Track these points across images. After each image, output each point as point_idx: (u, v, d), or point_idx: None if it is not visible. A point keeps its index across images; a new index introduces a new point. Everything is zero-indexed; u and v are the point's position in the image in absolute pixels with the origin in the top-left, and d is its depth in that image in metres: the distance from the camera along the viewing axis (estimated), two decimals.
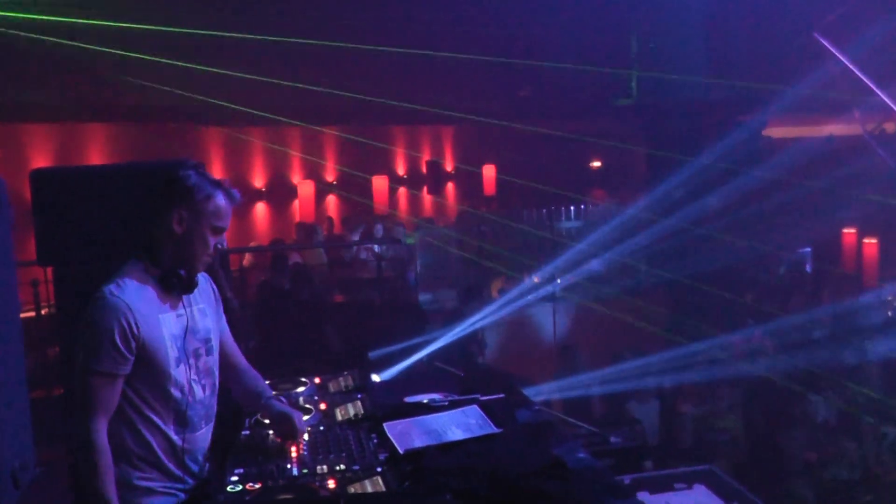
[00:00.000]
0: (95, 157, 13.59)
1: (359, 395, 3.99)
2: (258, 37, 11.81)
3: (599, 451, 4.07)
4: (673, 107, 14.83)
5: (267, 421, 3.70)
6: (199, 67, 11.25)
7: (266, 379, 3.82)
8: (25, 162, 12.21)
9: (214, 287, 3.50)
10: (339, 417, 3.73)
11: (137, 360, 3.12)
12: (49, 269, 4.55)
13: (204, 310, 3.40)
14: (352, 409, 3.82)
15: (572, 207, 17.25)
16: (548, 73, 16.05)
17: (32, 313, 8.86)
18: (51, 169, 6.46)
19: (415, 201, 19.97)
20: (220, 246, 3.30)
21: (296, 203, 16.66)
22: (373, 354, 5.66)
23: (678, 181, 13.40)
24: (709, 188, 13.38)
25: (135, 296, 3.13)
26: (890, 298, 12.79)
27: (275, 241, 13.69)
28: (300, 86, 12.31)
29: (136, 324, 3.10)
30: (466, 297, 11.03)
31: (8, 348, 3.09)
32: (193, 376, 3.31)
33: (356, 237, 13.99)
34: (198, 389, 3.33)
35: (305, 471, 3.24)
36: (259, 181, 16.74)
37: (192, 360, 3.30)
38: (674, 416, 8.97)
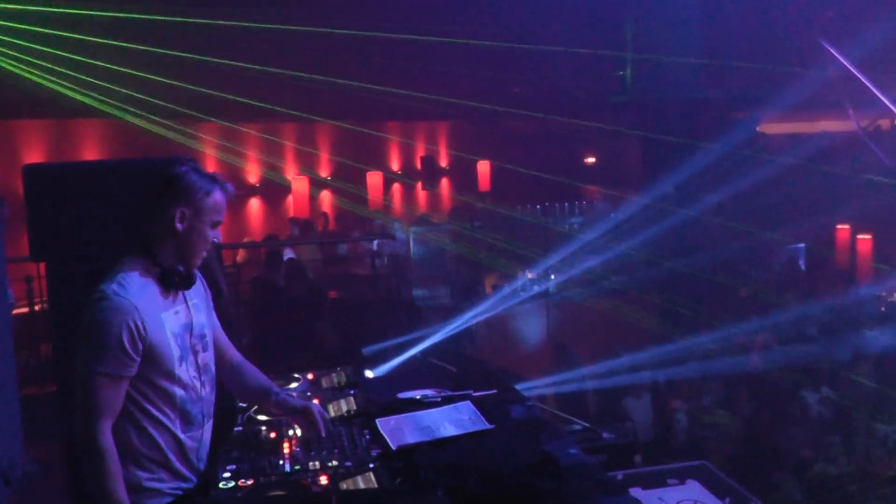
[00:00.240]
0: (89, 152, 13.55)
1: (351, 392, 4.00)
2: (253, 24, 11.81)
3: (592, 447, 4.07)
4: (668, 104, 14.84)
5: (261, 417, 3.70)
6: (191, 56, 11.25)
7: None
8: (18, 157, 12.18)
9: (204, 281, 3.48)
10: (332, 413, 3.72)
11: (143, 360, 3.08)
12: (42, 265, 4.53)
13: (197, 305, 3.38)
14: (344, 406, 3.82)
15: (566, 204, 17.25)
16: (543, 69, 16.08)
17: (26, 309, 8.82)
18: (44, 165, 6.46)
19: (409, 197, 19.96)
20: (215, 239, 3.29)
21: (290, 199, 16.63)
22: (366, 350, 5.65)
23: (672, 178, 13.42)
24: (703, 184, 13.40)
25: (138, 295, 3.09)
26: (884, 294, 12.83)
27: (269, 236, 13.65)
28: (292, 72, 12.31)
29: (143, 325, 3.06)
30: (466, 294, 11.07)
31: None
32: (194, 373, 3.29)
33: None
34: (199, 386, 3.31)
35: (298, 467, 3.24)
36: (253, 177, 16.72)
37: (191, 357, 3.28)
38: (666, 412, 9.00)
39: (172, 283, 3.21)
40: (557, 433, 3.58)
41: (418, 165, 20.07)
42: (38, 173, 4.49)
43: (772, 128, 18.15)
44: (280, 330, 9.02)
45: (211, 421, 3.41)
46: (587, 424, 4.75)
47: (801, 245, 15.66)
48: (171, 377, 3.18)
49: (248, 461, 3.30)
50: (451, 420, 3.56)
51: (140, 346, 3.06)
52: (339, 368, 4.35)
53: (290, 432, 3.53)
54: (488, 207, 16.93)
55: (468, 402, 3.73)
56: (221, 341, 3.60)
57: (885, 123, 16.96)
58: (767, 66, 15.32)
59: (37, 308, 8.68)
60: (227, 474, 3.20)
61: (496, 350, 10.80)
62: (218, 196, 3.22)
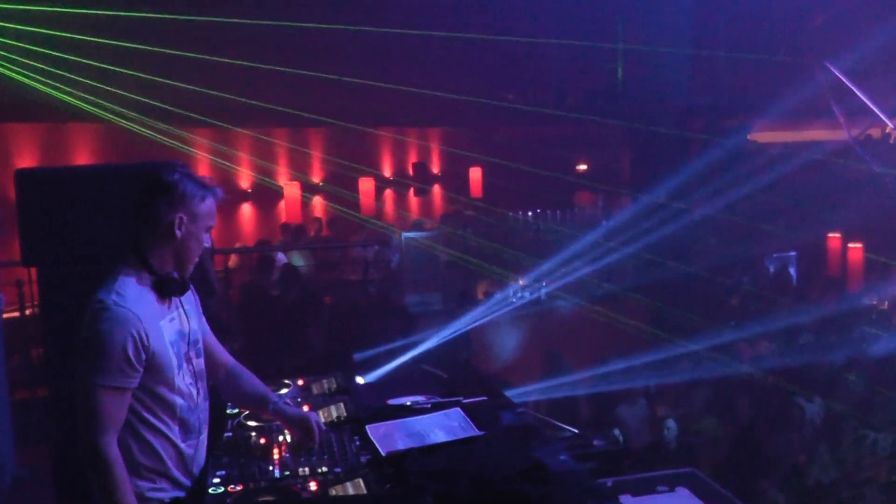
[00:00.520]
0: (81, 157, 13.53)
1: (342, 398, 4.00)
2: (246, 22, 11.81)
3: (582, 454, 4.08)
4: (658, 111, 14.88)
5: (251, 423, 3.71)
6: (187, 53, 11.25)
7: None
8: (10, 162, 12.16)
9: (192, 287, 3.48)
10: (322, 419, 3.73)
11: (145, 371, 3.07)
12: (34, 270, 4.53)
13: (189, 311, 3.38)
14: (335, 412, 3.82)
15: (558, 211, 17.27)
16: (536, 75, 16.11)
17: (17, 313, 8.81)
18: (36, 169, 6.49)
19: (402, 203, 19.97)
20: (206, 244, 3.30)
21: (282, 204, 16.63)
22: (358, 356, 5.67)
23: (662, 185, 13.46)
24: (694, 192, 13.44)
25: (138, 304, 3.07)
26: (875, 302, 12.87)
27: (261, 242, 13.65)
28: (284, 72, 12.30)
29: (146, 335, 3.05)
30: (457, 301, 11.06)
31: None
32: (191, 380, 3.30)
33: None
34: (196, 394, 3.32)
35: (287, 473, 3.25)
36: (245, 182, 16.72)
37: (187, 365, 3.28)
38: (655, 419, 9.02)
39: (168, 290, 3.21)
40: (548, 440, 3.59)
41: (410, 171, 20.09)
42: (31, 178, 4.50)
43: (763, 136, 18.21)
44: (271, 335, 9.03)
45: (207, 428, 3.42)
46: (577, 431, 4.76)
47: (793, 253, 15.70)
48: (172, 386, 3.18)
49: (238, 467, 3.31)
50: (442, 426, 3.57)
51: (143, 356, 3.05)
52: (329, 374, 4.35)
53: (280, 438, 3.53)
54: (480, 214, 16.96)
55: (458, 409, 3.74)
56: (213, 345, 3.59)
57: (875, 132, 17.03)
58: (758, 74, 15.40)
59: (28, 312, 8.66)
60: (216, 480, 3.20)
61: (487, 357, 10.81)
62: (211, 201, 3.23)
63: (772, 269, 15.22)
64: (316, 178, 17.96)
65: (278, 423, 3.63)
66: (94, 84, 11.53)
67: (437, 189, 20.92)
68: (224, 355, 3.65)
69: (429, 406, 3.84)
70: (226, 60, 11.63)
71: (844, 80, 13.42)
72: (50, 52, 10.96)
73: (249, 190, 16.78)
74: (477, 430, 3.54)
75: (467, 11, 14.60)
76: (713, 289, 12.92)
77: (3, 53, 10.83)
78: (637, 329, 11.85)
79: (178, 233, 3.15)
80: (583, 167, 21.86)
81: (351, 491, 3.07)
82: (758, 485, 7.78)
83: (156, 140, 12.45)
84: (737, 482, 7.54)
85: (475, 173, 18.82)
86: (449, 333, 9.12)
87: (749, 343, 10.56)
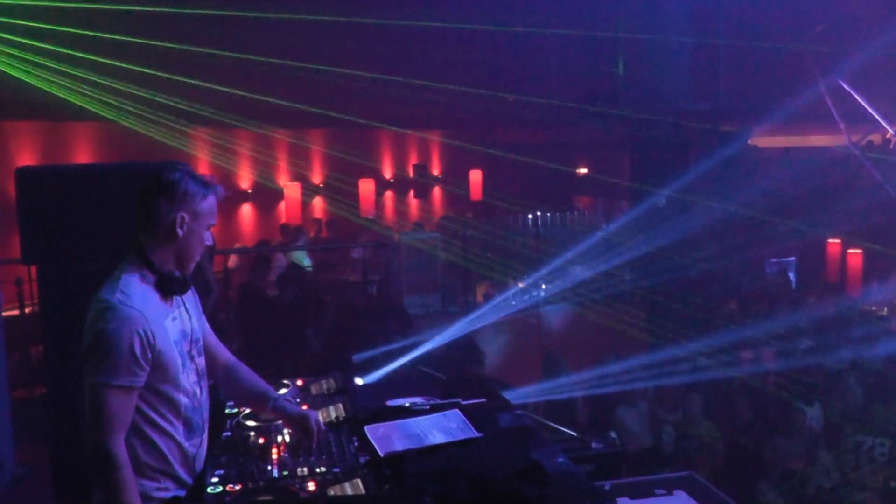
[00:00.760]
0: (82, 156, 13.55)
1: (340, 398, 4.00)
2: (247, 13, 11.82)
3: (580, 456, 4.08)
4: (659, 116, 14.88)
5: (250, 422, 3.71)
6: (185, 64, 11.25)
7: None
8: (10, 160, 12.17)
9: (192, 286, 3.48)
10: (321, 420, 3.73)
11: (151, 370, 3.07)
12: (34, 268, 4.53)
13: (190, 310, 3.39)
14: (333, 412, 3.82)
15: (558, 214, 17.28)
16: (535, 79, 16.12)
17: (16, 311, 8.81)
18: (37, 167, 6.48)
19: (402, 204, 19.99)
20: (207, 242, 3.30)
21: (282, 205, 16.65)
22: (356, 357, 5.67)
23: (662, 189, 13.46)
24: (693, 196, 13.44)
25: (143, 303, 3.07)
26: (874, 308, 12.88)
27: (260, 242, 13.66)
28: (289, 67, 12.31)
29: (152, 334, 3.04)
30: (456, 303, 11.08)
31: None
32: (194, 379, 3.31)
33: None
34: (198, 392, 3.33)
35: (286, 472, 3.25)
36: (245, 182, 16.73)
37: (190, 363, 3.29)
38: (653, 422, 9.02)
39: (171, 288, 3.21)
40: (545, 442, 3.59)
41: (411, 173, 20.12)
42: (31, 176, 4.50)
43: (763, 141, 18.21)
44: (269, 336, 9.03)
45: (208, 425, 3.42)
46: (575, 434, 4.76)
47: (792, 258, 15.70)
48: (177, 385, 3.19)
49: (237, 466, 3.30)
50: (440, 428, 3.57)
51: (150, 355, 3.05)
52: (328, 375, 4.36)
53: (279, 438, 3.53)
54: (480, 216, 16.97)
55: (457, 411, 3.74)
56: (212, 343, 3.60)
57: (876, 138, 17.04)
58: (759, 79, 15.41)
59: (27, 311, 8.67)
60: (215, 479, 3.20)
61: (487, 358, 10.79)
62: (212, 199, 3.23)
63: (771, 274, 15.23)
64: (316, 179, 17.97)
65: (277, 423, 3.64)
66: (95, 81, 11.54)
67: (437, 191, 20.94)
68: (224, 353, 3.65)
69: (427, 407, 3.84)
70: (225, 55, 11.63)
71: (845, 84, 13.42)
72: (50, 47, 10.97)
73: (250, 190, 16.79)
74: (475, 431, 3.54)
75: (468, 14, 14.60)
76: (712, 293, 12.92)
77: (3, 50, 10.82)
78: (636, 332, 11.86)
79: (179, 231, 3.15)
80: (583, 170, 21.88)
81: (349, 491, 3.07)
82: (757, 489, 7.78)
83: (156, 139, 12.47)
84: (736, 486, 7.55)
85: (475, 175, 18.86)
86: (448, 336, 9.11)
87: (749, 347, 10.56)
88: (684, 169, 14.01)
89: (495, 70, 16.34)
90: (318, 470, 3.25)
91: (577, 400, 9.21)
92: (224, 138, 15.15)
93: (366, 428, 3.55)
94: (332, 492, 3.07)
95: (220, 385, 3.69)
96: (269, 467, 3.29)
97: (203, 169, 14.85)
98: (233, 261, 12.74)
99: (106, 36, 10.76)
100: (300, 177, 17.18)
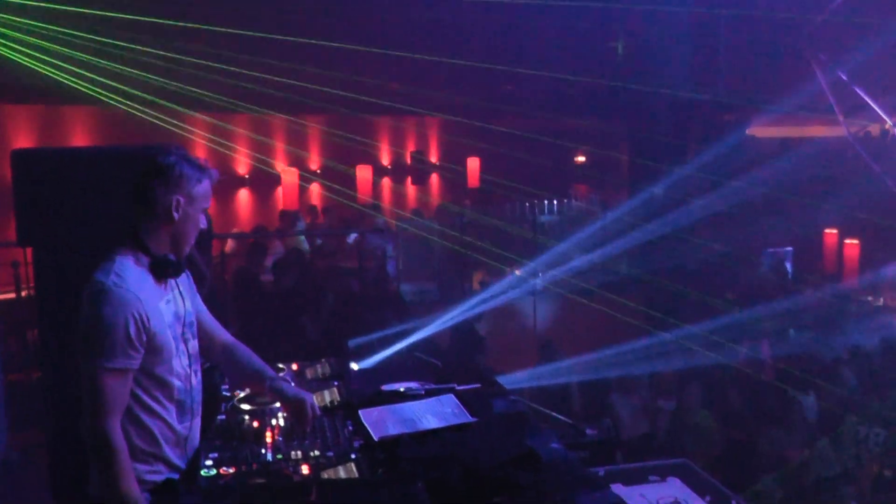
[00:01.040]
0: (79, 139, 13.51)
1: (335, 383, 4.01)
2: None
3: (574, 443, 4.08)
4: (657, 105, 14.87)
5: (244, 406, 3.71)
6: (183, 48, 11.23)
7: None
8: (7, 142, 12.14)
9: (187, 270, 3.48)
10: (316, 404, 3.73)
11: (145, 352, 3.08)
12: (30, 251, 4.53)
13: (184, 292, 3.39)
14: (328, 396, 3.83)
15: (555, 202, 17.29)
16: (534, 67, 16.07)
17: (13, 295, 8.81)
18: (33, 150, 6.48)
19: (399, 191, 19.98)
20: (202, 225, 3.30)
21: (279, 190, 16.63)
22: (352, 343, 5.66)
23: (660, 179, 13.46)
24: (691, 186, 13.44)
25: (137, 285, 3.08)
26: (870, 298, 12.89)
27: (257, 227, 13.65)
28: (290, 51, 12.30)
29: (146, 316, 3.05)
30: (453, 290, 11.08)
31: None
32: (187, 362, 3.31)
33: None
34: (191, 375, 3.33)
35: (280, 456, 3.25)
36: (242, 168, 16.70)
37: (183, 346, 3.29)
38: (650, 411, 9.03)
39: (165, 271, 3.21)
40: (540, 428, 3.59)
41: (408, 160, 20.09)
42: (27, 158, 4.50)
43: (762, 131, 18.21)
44: (265, 321, 9.02)
45: (200, 408, 3.43)
46: (570, 421, 4.77)
47: (789, 249, 15.71)
48: (170, 368, 3.19)
49: (231, 450, 3.31)
50: (434, 413, 3.57)
51: (144, 337, 3.06)
52: (323, 360, 4.36)
53: (273, 422, 3.54)
54: (477, 204, 16.97)
55: (451, 396, 3.74)
56: (209, 323, 3.61)
57: (874, 129, 17.02)
58: (758, 69, 15.39)
59: (24, 294, 8.66)
60: (209, 462, 3.21)
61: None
62: (207, 183, 3.24)
63: (768, 264, 15.23)
64: (314, 165, 17.94)
65: (271, 406, 3.64)
66: (92, 64, 11.50)
67: (434, 178, 20.91)
68: (222, 333, 3.66)
69: (422, 392, 3.85)
70: (224, 32, 11.59)
71: (843, 76, 13.40)
72: (48, 28, 10.93)
73: (247, 176, 16.76)
74: (470, 416, 3.54)
75: (468, 3, 14.57)
76: (709, 282, 12.93)
77: (1, 31, 10.79)
78: (632, 320, 11.87)
79: (175, 215, 3.16)
80: (581, 159, 21.87)
81: (343, 475, 3.08)
82: (754, 478, 7.79)
83: (153, 123, 12.44)
84: (733, 475, 7.56)
85: (473, 163, 18.83)
86: (444, 323, 9.12)
87: (745, 336, 10.57)
88: (683, 159, 14.01)
89: (495, 58, 16.30)
90: (312, 454, 3.26)
91: (573, 387, 9.23)
92: (222, 123, 15.12)
93: (360, 412, 3.55)
94: (325, 475, 3.08)
95: (219, 365, 3.70)
96: (264, 451, 3.30)
97: (201, 153, 14.82)
98: (230, 246, 12.73)
99: (104, 14, 10.72)
100: (297, 162, 17.16)
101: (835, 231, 14.97)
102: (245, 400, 3.76)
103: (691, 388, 9.06)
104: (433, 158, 20.82)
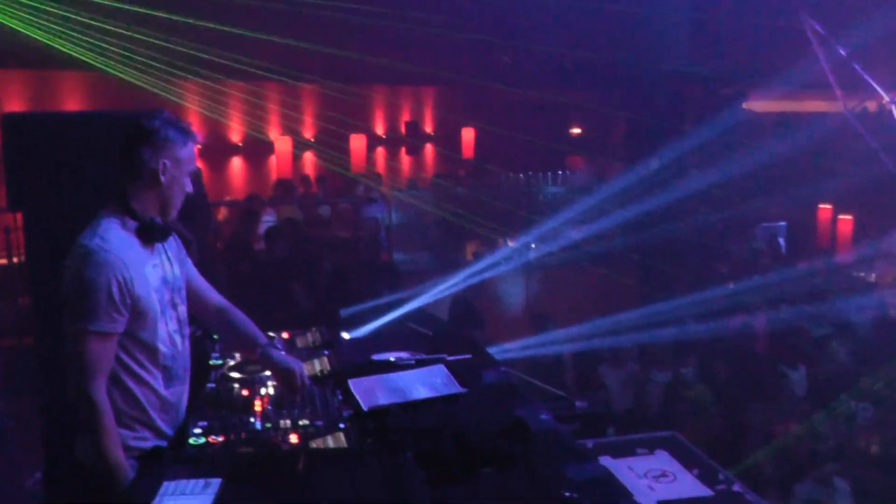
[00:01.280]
0: (71, 105, 13.44)
1: (325, 352, 4.00)
2: None
3: (564, 415, 4.09)
4: (655, 77, 14.81)
5: (234, 374, 3.70)
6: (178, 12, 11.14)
7: None
8: None
9: (176, 233, 3.46)
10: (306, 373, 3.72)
11: (129, 316, 3.08)
12: (20, 216, 4.51)
13: (172, 257, 3.38)
14: (318, 365, 3.82)
15: (550, 174, 17.24)
16: (531, 38, 16.01)
17: (4, 261, 8.78)
18: (22, 114, 6.44)
19: (394, 161, 19.91)
20: (188, 189, 3.29)
21: (272, 159, 16.56)
22: (344, 312, 5.65)
23: (657, 151, 13.42)
24: (687, 159, 13.42)
25: (122, 249, 3.07)
26: (862, 274, 12.91)
27: (251, 196, 13.60)
28: (278, 34, 12.22)
29: (130, 279, 3.05)
30: (446, 260, 11.08)
31: None
32: (175, 327, 3.30)
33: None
34: (178, 341, 3.32)
35: (269, 425, 3.25)
36: (236, 136, 16.62)
37: (171, 311, 3.29)
38: (642, 384, 9.03)
39: (152, 235, 3.21)
40: (529, 399, 3.59)
41: (403, 130, 19.99)
42: (17, 122, 4.48)
43: (759, 105, 18.15)
44: (256, 289, 9.01)
45: (189, 375, 3.42)
46: (562, 393, 4.78)
47: (783, 223, 15.71)
48: (155, 333, 3.18)
49: (220, 418, 3.31)
50: (424, 383, 3.57)
51: (128, 300, 3.05)
52: (314, 329, 4.35)
53: (263, 391, 3.53)
54: (472, 174, 16.92)
55: (442, 366, 3.74)
56: (201, 286, 3.60)
57: (871, 105, 16.98)
58: (758, 43, 15.32)
59: (15, 260, 8.63)
60: (197, 430, 3.21)
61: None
62: (192, 146, 3.24)
63: (761, 239, 15.25)
64: (308, 134, 17.86)
65: (261, 375, 3.64)
66: (86, 31, 11.42)
67: (429, 148, 20.84)
68: (214, 296, 3.66)
69: (412, 362, 3.84)
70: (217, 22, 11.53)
71: (842, 51, 13.34)
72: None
73: (240, 144, 16.68)
74: (460, 387, 3.54)
75: None
76: (703, 255, 12.94)
77: None
78: (625, 291, 11.88)
79: (162, 179, 3.16)
80: (576, 130, 21.80)
81: (331, 444, 3.08)
82: (743, 452, 7.82)
83: (146, 90, 12.37)
84: (723, 448, 7.59)
85: (468, 134, 18.76)
86: (436, 294, 9.11)
87: (737, 310, 10.58)
88: (680, 131, 13.97)
89: (492, 29, 16.22)
90: (300, 423, 3.26)
91: (566, 360, 9.24)
92: (215, 90, 15.03)
93: (350, 381, 3.55)
94: (314, 445, 3.08)
95: (213, 327, 3.72)
96: (252, 420, 3.30)
97: (194, 120, 14.75)
98: (223, 214, 12.70)
99: None
100: (291, 131, 17.08)
101: (829, 206, 14.96)
102: (234, 368, 3.75)
103: (688, 362, 9.08)
104: (428, 129, 20.73)
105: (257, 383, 3.60)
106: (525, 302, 11.89)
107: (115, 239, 3.08)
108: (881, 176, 13.35)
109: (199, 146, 3.29)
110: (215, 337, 4.10)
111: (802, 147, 13.53)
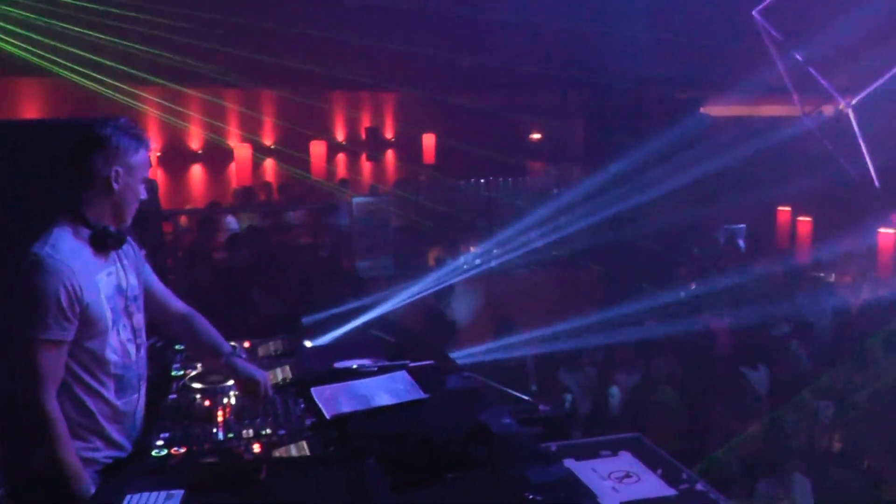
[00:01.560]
0: (29, 112, 13.30)
1: (287, 360, 3.98)
2: None
3: (527, 419, 4.09)
4: (614, 81, 14.91)
5: (195, 385, 3.67)
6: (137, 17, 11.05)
7: None
8: None
9: (133, 242, 3.44)
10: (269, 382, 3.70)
11: (79, 325, 3.06)
12: None
13: (128, 266, 3.35)
14: (280, 374, 3.80)
15: (510, 179, 17.30)
16: (490, 42, 16.04)
17: None
18: None
19: (354, 167, 19.87)
20: (143, 196, 3.27)
21: (232, 166, 16.48)
22: (306, 320, 5.63)
23: (616, 155, 13.50)
24: (645, 163, 13.51)
25: (72, 257, 3.05)
26: (822, 275, 13.06)
27: (212, 203, 13.52)
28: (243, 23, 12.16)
29: (79, 287, 3.03)
30: (408, 267, 11.07)
31: None
32: (129, 336, 3.27)
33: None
34: (132, 350, 3.29)
35: (231, 435, 3.23)
36: (195, 143, 16.51)
37: (125, 320, 3.26)
38: (606, 386, 9.06)
39: (105, 243, 3.18)
40: (492, 403, 3.59)
41: (363, 136, 19.97)
42: None
43: (716, 110, 18.32)
44: (217, 297, 8.95)
45: (145, 384, 3.39)
46: (525, 397, 4.77)
47: (742, 225, 15.86)
48: (105, 342, 3.16)
49: (182, 429, 3.28)
50: (387, 389, 3.56)
51: (77, 308, 3.03)
52: (276, 337, 4.33)
53: (225, 401, 3.51)
54: (433, 180, 16.94)
55: (404, 372, 3.73)
56: (162, 293, 3.59)
57: (828, 109, 17.18)
58: (714, 48, 15.45)
59: None
60: (160, 442, 3.18)
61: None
62: (145, 152, 3.23)
63: (721, 241, 15.38)
64: (267, 141, 17.79)
65: (223, 385, 3.61)
66: (43, 38, 11.31)
67: (390, 154, 20.83)
68: (175, 302, 3.64)
69: (375, 369, 3.83)
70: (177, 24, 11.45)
71: (798, 56, 13.50)
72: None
73: (200, 151, 16.58)
74: (422, 393, 3.53)
75: None
76: (662, 258, 13.03)
77: None
78: (587, 294, 11.93)
79: (115, 186, 3.15)
80: (536, 136, 21.88)
81: (294, 453, 3.06)
82: (706, 451, 7.87)
83: (104, 97, 12.27)
84: (688, 449, 7.63)
85: (428, 139, 18.79)
86: (400, 300, 9.11)
87: (698, 310, 10.66)
88: (639, 135, 14.05)
89: (450, 32, 16.23)
90: (263, 432, 3.24)
91: (529, 363, 9.26)
92: (174, 98, 14.93)
93: (312, 390, 3.53)
94: (277, 454, 3.06)
95: (176, 335, 3.69)
96: (215, 430, 3.28)
97: (153, 127, 14.66)
98: (183, 222, 12.61)
99: None
100: (251, 138, 17.01)
101: (788, 209, 15.13)
102: (196, 379, 3.72)
103: (656, 364, 9.12)
104: (388, 135, 20.73)
105: (219, 393, 3.57)
106: (488, 306, 11.90)
107: (66, 247, 3.06)
108: (839, 178, 13.52)
109: (157, 153, 3.28)
110: (178, 347, 4.06)
111: (761, 150, 13.68)
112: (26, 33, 11.25)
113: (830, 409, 8.23)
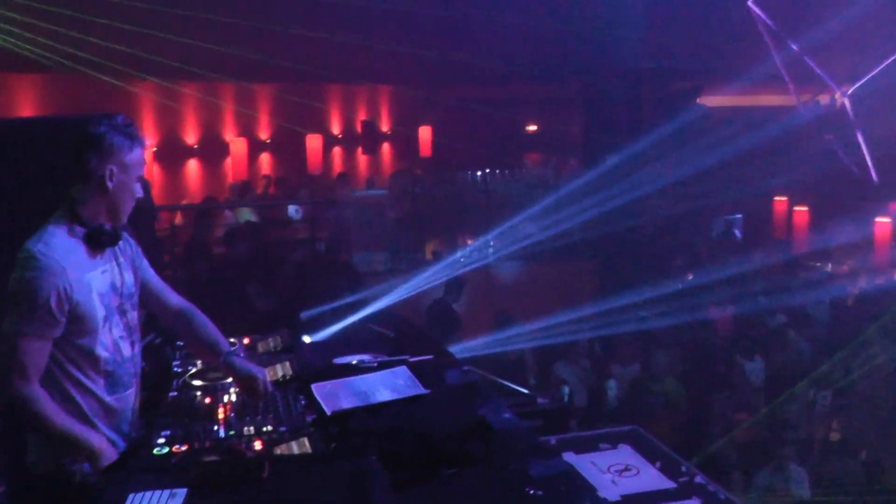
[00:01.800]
0: (26, 109, 13.26)
1: (287, 356, 3.98)
2: None
3: (527, 412, 4.11)
4: (610, 72, 14.90)
5: (196, 382, 3.67)
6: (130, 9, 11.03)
7: None
8: None
9: (131, 239, 3.46)
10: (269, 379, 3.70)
11: (67, 321, 3.08)
12: None
13: (124, 264, 3.37)
14: (280, 371, 3.80)
15: (507, 171, 17.29)
16: (487, 35, 16.02)
17: None
18: None
19: (350, 161, 19.86)
20: (138, 194, 3.28)
21: (228, 161, 16.44)
22: (305, 315, 5.63)
23: (613, 146, 13.50)
24: (643, 154, 13.51)
25: (65, 255, 3.07)
26: (818, 265, 13.08)
27: (207, 198, 13.50)
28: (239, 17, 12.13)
29: (69, 285, 3.05)
30: (405, 260, 11.07)
31: None
32: (122, 333, 3.28)
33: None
34: (125, 347, 3.30)
35: (232, 432, 3.22)
36: (191, 137, 16.48)
37: (117, 318, 3.27)
38: (604, 378, 9.08)
39: (99, 241, 3.20)
40: (491, 397, 3.60)
41: (359, 129, 19.93)
42: None
43: (713, 100, 18.31)
44: (215, 293, 8.95)
45: (139, 380, 3.40)
46: (524, 391, 4.79)
47: (739, 216, 15.88)
48: (96, 339, 3.18)
49: (183, 427, 3.28)
50: (387, 385, 3.57)
51: (66, 306, 3.06)
52: (275, 333, 4.33)
53: (226, 398, 3.51)
54: (430, 174, 16.92)
55: (404, 368, 3.74)
56: (160, 289, 3.59)
57: (824, 99, 17.19)
58: (711, 38, 15.45)
59: None
60: (161, 440, 3.17)
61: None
62: (139, 150, 3.23)
63: (717, 231, 15.40)
64: (263, 135, 17.77)
65: (224, 382, 3.61)
66: (38, 33, 11.28)
67: (386, 147, 20.81)
68: (174, 297, 3.63)
69: (375, 365, 3.84)
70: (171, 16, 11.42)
71: (794, 46, 13.51)
72: None
73: (195, 146, 16.55)
74: (423, 388, 3.54)
75: None
76: (659, 248, 13.04)
77: None
78: (585, 287, 11.94)
79: (109, 184, 3.15)
80: (533, 128, 21.87)
81: (296, 450, 3.06)
82: (706, 442, 7.89)
83: (102, 93, 12.24)
84: (686, 440, 7.66)
85: (425, 132, 18.75)
86: (398, 294, 9.12)
87: (695, 301, 10.67)
88: (636, 126, 14.06)
89: (446, 24, 16.20)
90: (264, 429, 3.24)
91: (527, 357, 9.28)
92: (170, 92, 14.90)
93: (312, 386, 3.53)
94: (278, 451, 3.06)
95: (176, 331, 3.70)
96: (216, 427, 3.27)
97: (148, 123, 14.64)
98: (179, 217, 12.60)
99: None
100: (247, 132, 16.98)
101: (784, 199, 15.13)
102: (196, 376, 3.72)
103: (658, 356, 9.13)
104: (384, 127, 20.70)
105: (220, 391, 3.57)
106: (487, 299, 11.91)
107: (59, 245, 3.09)
108: (835, 167, 13.54)
109: (153, 148, 3.29)
110: (179, 344, 4.07)
111: (757, 140, 13.68)
112: (19, 31, 11.20)
113: (828, 398, 8.27)
